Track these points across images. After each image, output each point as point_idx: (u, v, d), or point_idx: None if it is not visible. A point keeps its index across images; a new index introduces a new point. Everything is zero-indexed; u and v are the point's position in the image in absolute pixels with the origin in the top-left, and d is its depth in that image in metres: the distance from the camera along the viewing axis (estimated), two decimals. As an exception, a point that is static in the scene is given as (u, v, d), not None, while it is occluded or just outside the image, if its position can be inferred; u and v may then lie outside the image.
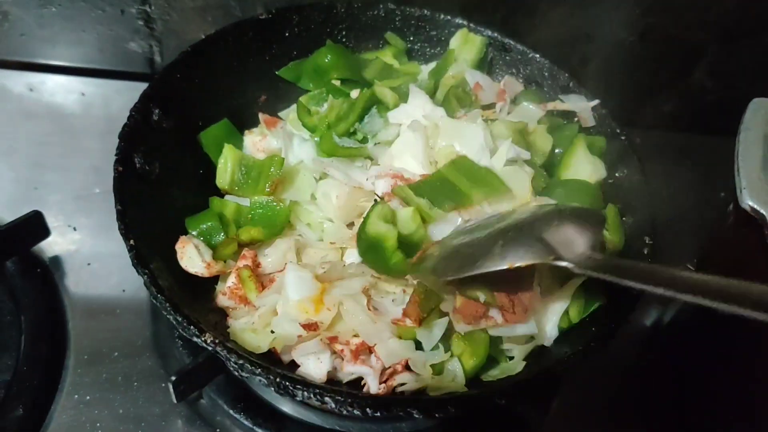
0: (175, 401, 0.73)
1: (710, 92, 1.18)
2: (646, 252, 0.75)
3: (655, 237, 0.76)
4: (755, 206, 0.61)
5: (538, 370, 0.67)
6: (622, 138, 0.87)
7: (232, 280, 0.72)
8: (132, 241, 0.67)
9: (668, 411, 0.88)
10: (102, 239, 0.93)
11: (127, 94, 1.11)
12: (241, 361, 0.61)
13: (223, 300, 0.73)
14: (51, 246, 0.91)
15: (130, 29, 1.11)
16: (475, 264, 0.64)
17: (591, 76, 1.13)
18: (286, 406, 0.80)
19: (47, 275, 0.88)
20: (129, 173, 0.74)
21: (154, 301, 0.64)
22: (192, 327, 0.62)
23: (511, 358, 0.72)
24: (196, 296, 0.73)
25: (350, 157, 0.82)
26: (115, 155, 0.73)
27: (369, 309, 0.69)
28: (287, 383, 0.60)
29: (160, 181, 0.78)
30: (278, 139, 0.87)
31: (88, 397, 0.78)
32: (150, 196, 0.75)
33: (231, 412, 0.79)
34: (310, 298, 0.69)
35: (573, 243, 0.62)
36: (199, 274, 0.73)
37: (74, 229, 0.94)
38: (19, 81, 1.12)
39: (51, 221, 0.89)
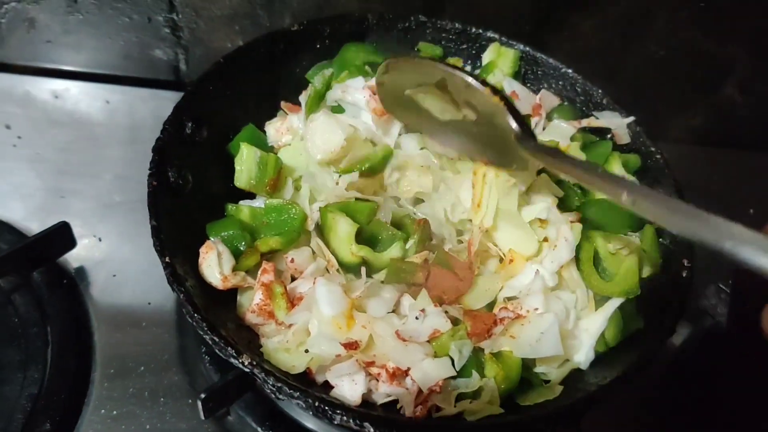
0: (203, 418, 0.72)
1: (740, 107, 1.17)
2: (684, 275, 0.73)
3: (693, 259, 0.74)
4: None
5: (579, 396, 0.65)
6: (657, 156, 0.86)
7: (259, 296, 0.71)
8: (167, 258, 0.65)
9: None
10: (127, 250, 0.92)
11: (151, 101, 1.12)
12: (279, 384, 0.60)
13: (252, 317, 0.72)
14: (77, 256, 0.90)
15: (157, 37, 1.10)
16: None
17: (621, 90, 1.12)
18: (313, 423, 0.79)
19: (73, 286, 0.88)
20: (163, 187, 0.73)
21: (190, 320, 0.63)
22: (230, 348, 0.61)
23: (547, 381, 0.71)
24: (227, 309, 0.72)
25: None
26: (149, 169, 0.72)
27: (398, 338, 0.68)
28: (326, 407, 0.59)
29: (194, 195, 0.77)
30: (299, 117, 0.87)
31: (114, 412, 0.78)
32: (183, 210, 0.74)
33: (259, 429, 0.78)
34: (342, 314, 0.68)
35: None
36: (214, 285, 0.71)
37: (99, 239, 0.93)
38: (43, 88, 1.12)
39: (76, 231, 0.88)
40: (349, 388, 0.66)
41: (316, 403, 0.59)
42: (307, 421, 0.79)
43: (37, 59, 1.13)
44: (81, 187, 1.00)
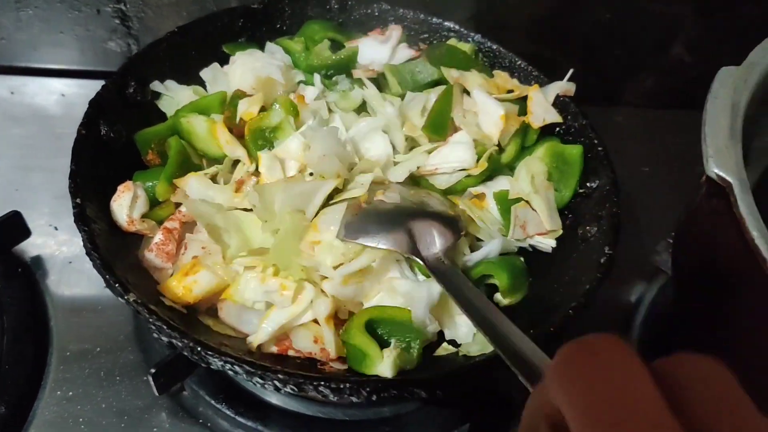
0: (156, 394, 0.73)
1: (689, 66, 1.17)
2: (602, 261, 0.72)
3: (615, 249, 0.74)
4: (722, 174, 0.61)
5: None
6: (599, 149, 0.84)
7: (159, 236, 0.73)
8: (78, 200, 0.68)
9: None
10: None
11: (106, 93, 1.13)
12: (159, 323, 0.61)
13: (149, 257, 0.73)
14: (33, 246, 0.91)
15: (108, 28, 1.11)
16: (358, 236, 0.70)
17: (572, 55, 1.14)
18: (269, 396, 0.80)
19: (29, 275, 0.88)
20: (92, 138, 0.76)
21: (89, 258, 0.65)
22: (118, 285, 0.63)
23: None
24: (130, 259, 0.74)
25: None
26: (82, 120, 0.75)
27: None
28: (201, 350, 0.60)
29: (126, 150, 0.80)
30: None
31: (71, 393, 0.79)
32: (112, 163, 0.77)
33: (213, 402, 0.79)
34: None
35: (431, 244, 0.70)
36: (119, 225, 0.74)
37: (56, 228, 0.94)
38: (0, 85, 1.13)
39: (32, 222, 0.90)
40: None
41: (191, 344, 0.60)
42: (263, 394, 0.81)
43: (-9, 58, 1.14)
44: (39, 179, 1.01)
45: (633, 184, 1.11)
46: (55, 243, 0.93)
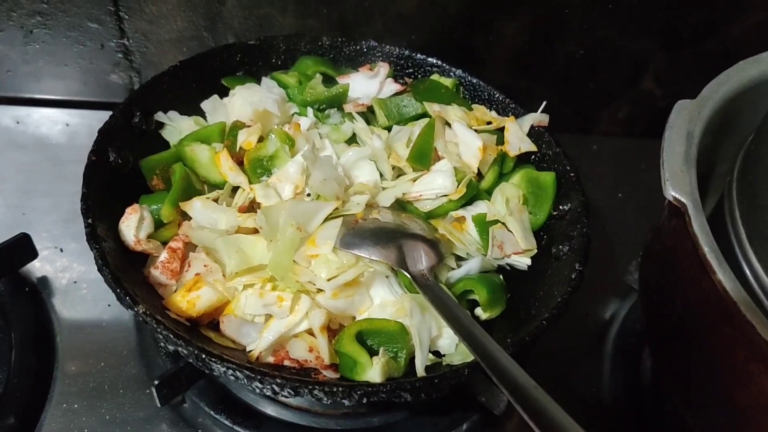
0: (158, 405, 0.78)
1: (659, 99, 1.25)
2: (573, 276, 0.77)
3: (585, 266, 0.79)
4: (677, 196, 0.67)
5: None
6: (571, 174, 0.90)
7: (164, 255, 0.78)
8: (90, 220, 0.73)
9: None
10: (88, 259, 0.96)
11: (109, 123, 1.19)
12: (166, 332, 0.66)
13: (155, 274, 0.78)
14: (39, 267, 0.97)
15: (111, 62, 1.18)
16: (352, 247, 0.76)
17: (548, 88, 1.21)
18: (265, 407, 0.85)
19: (36, 294, 0.93)
20: (101, 163, 0.82)
21: (100, 274, 0.71)
22: (128, 298, 0.68)
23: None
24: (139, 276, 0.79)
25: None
26: (91, 147, 0.82)
27: None
28: (205, 356, 0.65)
29: (132, 175, 0.86)
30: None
31: (75, 405, 0.83)
32: (120, 187, 0.83)
33: (212, 413, 0.83)
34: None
35: (418, 261, 0.77)
36: (127, 244, 0.79)
37: (61, 250, 0.99)
38: (6, 114, 1.18)
39: (39, 244, 0.94)
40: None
41: (195, 351, 0.65)
42: (261, 405, 0.85)
43: (-1, 89, 1.20)
44: (43, 203, 1.06)
45: (606, 208, 1.19)
46: (61, 264, 0.98)
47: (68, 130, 1.18)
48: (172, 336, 0.65)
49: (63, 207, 1.05)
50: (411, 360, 0.74)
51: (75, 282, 0.96)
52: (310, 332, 0.74)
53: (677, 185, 0.68)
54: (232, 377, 0.64)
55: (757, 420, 0.63)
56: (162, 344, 0.67)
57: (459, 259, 0.86)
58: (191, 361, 0.66)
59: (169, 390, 0.78)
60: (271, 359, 0.73)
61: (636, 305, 1.02)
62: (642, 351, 0.97)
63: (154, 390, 0.76)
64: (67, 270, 0.97)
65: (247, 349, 0.73)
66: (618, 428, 0.91)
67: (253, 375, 0.63)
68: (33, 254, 0.94)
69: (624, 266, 1.05)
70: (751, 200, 0.69)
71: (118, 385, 0.86)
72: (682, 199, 0.67)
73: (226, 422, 0.83)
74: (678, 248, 0.71)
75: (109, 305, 0.93)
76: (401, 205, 0.89)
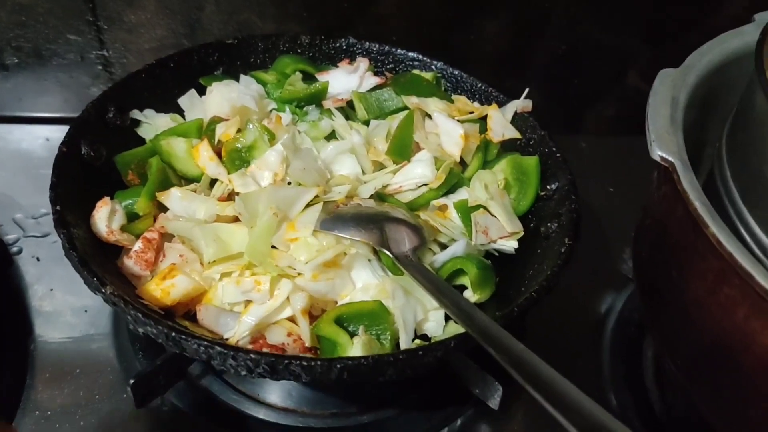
0: (136, 407, 0.74)
1: (645, 95, 1.24)
2: (563, 251, 0.75)
3: (575, 240, 0.78)
4: (664, 155, 0.65)
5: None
6: (557, 155, 0.89)
7: (139, 245, 0.76)
8: (58, 207, 0.71)
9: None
10: (64, 267, 0.94)
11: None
12: (134, 312, 0.63)
13: (129, 264, 0.75)
14: (16, 275, 0.94)
15: (91, 75, 1.17)
16: (333, 228, 0.75)
17: (532, 86, 1.20)
18: (249, 408, 0.81)
19: (11, 302, 0.90)
20: (72, 155, 0.80)
21: (67, 258, 0.68)
22: (95, 279, 0.65)
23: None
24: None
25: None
26: (63, 139, 0.80)
27: None
28: (176, 336, 0.62)
29: (105, 168, 0.84)
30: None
31: (49, 413, 0.79)
32: (93, 181, 0.81)
33: (192, 415, 0.79)
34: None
35: (401, 243, 0.75)
36: (98, 236, 0.76)
37: (38, 259, 0.96)
38: (-15, 131, 1.17)
39: (17, 254, 0.93)
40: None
41: (165, 330, 0.62)
42: (245, 406, 0.81)
43: (-22, 107, 1.19)
44: (21, 216, 1.04)
45: (599, 202, 1.16)
46: (38, 271, 0.95)
47: (49, 145, 1.16)
48: (141, 316, 0.62)
49: (40, 219, 1.03)
50: (398, 345, 0.71)
51: (51, 290, 0.93)
52: (291, 319, 0.71)
53: (664, 146, 0.66)
54: (204, 356, 0.60)
55: (764, 383, 0.59)
56: (131, 326, 0.63)
57: (444, 247, 0.83)
58: (161, 341, 0.62)
59: (147, 391, 0.74)
60: (249, 347, 0.70)
61: (633, 295, 0.99)
62: (642, 341, 0.94)
63: (129, 389, 0.72)
64: (44, 278, 0.94)
65: (225, 337, 0.70)
66: (621, 421, 0.86)
67: (226, 351, 0.59)
68: (8, 262, 0.91)
69: (617, 257, 1.03)
70: (741, 159, 0.67)
71: (94, 391, 0.81)
72: (670, 158, 0.65)
73: (208, 426, 0.79)
74: (669, 216, 0.69)
75: (86, 311, 0.90)
76: (381, 198, 0.86)
